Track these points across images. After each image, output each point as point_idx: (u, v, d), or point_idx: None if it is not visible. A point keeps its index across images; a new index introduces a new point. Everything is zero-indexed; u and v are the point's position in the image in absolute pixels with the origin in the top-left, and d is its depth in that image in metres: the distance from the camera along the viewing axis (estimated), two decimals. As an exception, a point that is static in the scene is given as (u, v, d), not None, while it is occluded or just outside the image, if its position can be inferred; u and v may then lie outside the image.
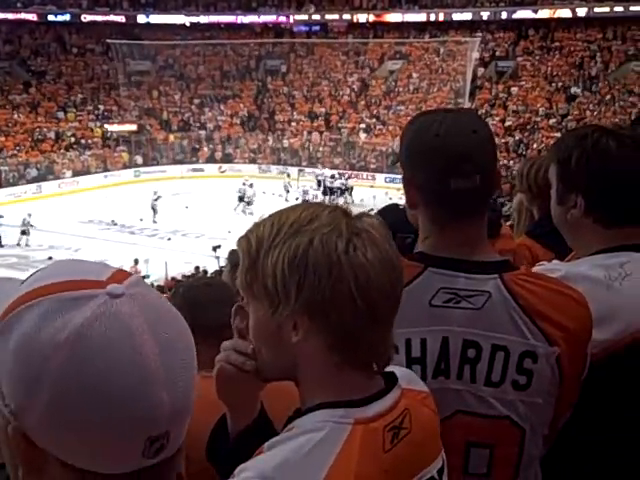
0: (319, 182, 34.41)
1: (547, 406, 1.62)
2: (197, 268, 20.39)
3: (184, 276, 17.95)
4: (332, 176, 34.47)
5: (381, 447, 1.16)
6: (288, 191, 33.11)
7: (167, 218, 28.54)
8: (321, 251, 1.14)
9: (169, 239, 25.70)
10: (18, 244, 25.52)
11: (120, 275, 0.88)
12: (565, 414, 1.70)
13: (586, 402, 1.72)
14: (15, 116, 39.51)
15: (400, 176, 1.78)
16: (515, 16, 43.09)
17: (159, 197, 29.36)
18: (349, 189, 33.50)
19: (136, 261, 21.32)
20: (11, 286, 0.93)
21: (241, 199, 30.62)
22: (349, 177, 34.97)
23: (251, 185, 31.16)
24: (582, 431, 1.81)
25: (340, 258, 1.14)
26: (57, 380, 0.80)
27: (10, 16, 44.67)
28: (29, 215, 26.28)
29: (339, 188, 33.50)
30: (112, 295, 0.83)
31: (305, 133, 41.78)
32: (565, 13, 41.83)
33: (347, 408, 1.16)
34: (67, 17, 46.29)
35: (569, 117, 37.06)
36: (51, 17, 45.99)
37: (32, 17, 45.46)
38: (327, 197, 32.48)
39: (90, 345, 0.80)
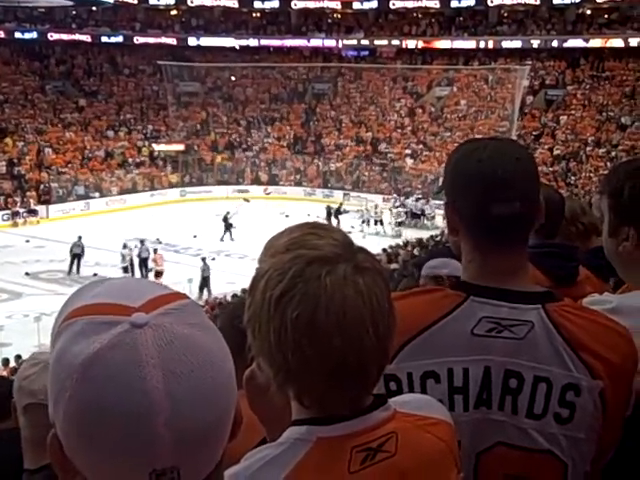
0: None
1: (589, 442, 1.58)
2: (244, 291, 20.33)
3: (233, 296, 17.92)
4: (416, 199, 34.23)
5: (345, 467, 1.14)
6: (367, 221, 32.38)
7: (211, 238, 28.74)
8: (263, 287, 1.16)
9: (213, 259, 25.73)
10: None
11: (158, 301, 0.87)
12: (607, 452, 1.63)
13: (630, 441, 1.65)
14: (67, 134, 40.33)
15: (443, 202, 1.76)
16: (566, 45, 42.75)
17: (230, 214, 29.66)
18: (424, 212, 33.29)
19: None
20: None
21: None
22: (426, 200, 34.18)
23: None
24: (625, 471, 1.73)
25: (271, 302, 1.14)
26: (69, 399, 0.83)
27: (65, 37, 46.06)
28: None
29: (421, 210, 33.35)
30: (134, 324, 0.84)
31: (351, 157, 41.84)
32: (617, 43, 41.34)
33: (310, 425, 1.17)
34: (120, 39, 47.41)
35: (619, 147, 36.60)
36: (104, 38, 47.19)
37: (86, 38, 46.71)
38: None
39: (99, 373, 0.82)
